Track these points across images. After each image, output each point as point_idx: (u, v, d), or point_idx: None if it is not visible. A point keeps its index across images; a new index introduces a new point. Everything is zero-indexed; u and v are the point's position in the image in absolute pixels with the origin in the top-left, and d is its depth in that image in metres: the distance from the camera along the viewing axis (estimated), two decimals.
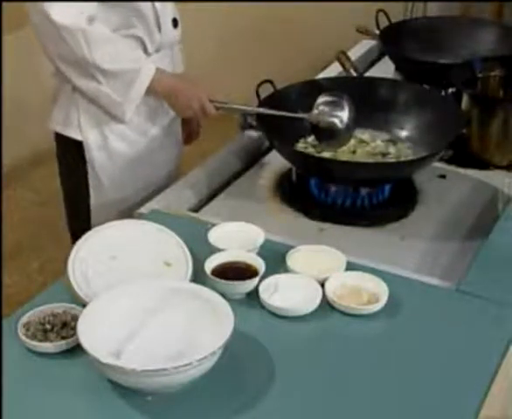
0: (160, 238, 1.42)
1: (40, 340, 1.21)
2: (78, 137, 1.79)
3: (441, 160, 1.83)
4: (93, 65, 1.67)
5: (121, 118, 1.75)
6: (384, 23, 2.37)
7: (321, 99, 1.74)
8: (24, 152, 3.70)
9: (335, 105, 1.73)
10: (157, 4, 1.75)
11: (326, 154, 1.76)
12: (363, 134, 1.84)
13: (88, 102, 1.76)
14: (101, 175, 1.82)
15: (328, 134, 1.75)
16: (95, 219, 1.86)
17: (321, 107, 1.73)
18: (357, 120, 1.76)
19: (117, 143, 1.80)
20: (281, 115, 1.73)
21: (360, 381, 1.18)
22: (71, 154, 1.84)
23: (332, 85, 1.91)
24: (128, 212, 1.67)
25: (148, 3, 1.73)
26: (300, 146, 1.81)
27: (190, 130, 2.01)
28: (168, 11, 1.79)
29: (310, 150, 1.79)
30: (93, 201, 1.85)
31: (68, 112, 1.80)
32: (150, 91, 1.73)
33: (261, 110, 1.75)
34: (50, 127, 1.86)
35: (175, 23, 1.82)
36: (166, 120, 1.86)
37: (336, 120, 1.73)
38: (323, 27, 4.10)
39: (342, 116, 1.73)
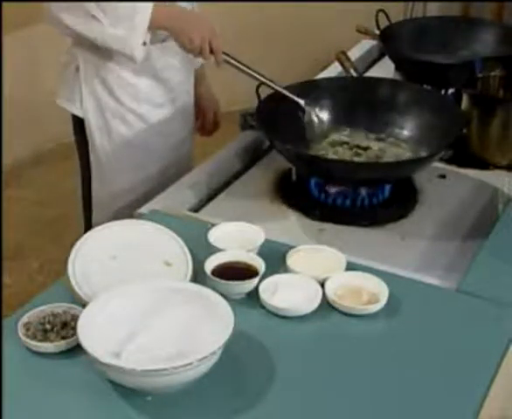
0: (160, 238, 1.42)
1: (40, 340, 1.21)
2: (80, 114, 1.84)
3: (441, 160, 1.83)
4: (93, 3, 1.66)
5: (132, 56, 1.72)
6: (383, 23, 2.37)
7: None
8: (24, 152, 3.71)
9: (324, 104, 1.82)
10: None
11: (326, 154, 1.76)
12: (362, 135, 1.84)
13: (90, 81, 1.80)
14: (102, 156, 1.84)
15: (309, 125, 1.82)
16: (96, 212, 1.88)
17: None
18: (356, 120, 1.78)
19: (117, 125, 1.82)
20: (282, 93, 1.79)
21: (360, 381, 1.18)
22: (80, 136, 1.88)
23: (332, 85, 1.91)
24: (129, 212, 1.67)
25: None
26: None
27: (205, 119, 2.03)
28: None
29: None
30: (94, 185, 1.87)
31: (72, 88, 1.84)
32: (154, 24, 1.70)
33: (267, 81, 1.78)
34: (56, 102, 1.89)
35: None
36: (169, 108, 1.88)
37: (318, 119, 1.81)
38: (323, 27, 4.10)
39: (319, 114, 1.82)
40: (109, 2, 1.67)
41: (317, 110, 1.82)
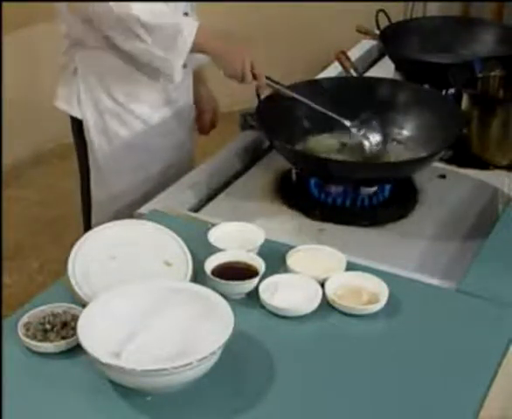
0: (160, 238, 1.42)
1: (40, 340, 1.20)
2: (78, 115, 1.84)
3: (441, 160, 1.83)
4: (136, 20, 1.66)
5: (171, 76, 1.75)
6: (384, 23, 2.37)
7: (364, 115, 1.80)
8: (24, 152, 3.71)
9: (370, 126, 1.80)
10: None
11: (325, 155, 1.77)
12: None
13: (88, 83, 1.80)
14: (100, 157, 1.84)
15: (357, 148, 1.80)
16: (95, 212, 1.88)
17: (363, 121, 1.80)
18: (356, 121, 1.79)
19: (116, 126, 1.82)
20: (329, 115, 1.78)
21: (360, 381, 1.18)
22: (79, 138, 1.88)
23: (332, 85, 1.91)
24: (129, 212, 1.67)
25: None
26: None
27: (204, 119, 2.04)
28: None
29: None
30: (93, 186, 1.87)
31: (70, 90, 1.84)
32: (196, 47, 1.72)
33: (311, 104, 1.78)
34: (54, 103, 1.88)
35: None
36: (168, 109, 1.88)
37: (367, 143, 1.80)
38: (323, 27, 4.10)
39: (373, 140, 1.80)
40: (155, 22, 1.68)
41: (364, 131, 1.80)
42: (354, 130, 1.80)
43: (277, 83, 1.79)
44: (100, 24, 1.72)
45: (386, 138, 1.83)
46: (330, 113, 1.78)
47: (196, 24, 1.72)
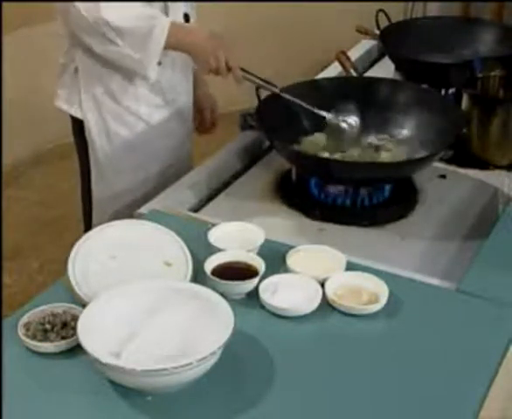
0: (160, 238, 1.42)
1: (40, 340, 1.21)
2: (79, 115, 1.84)
3: (441, 160, 1.83)
4: (107, 25, 1.66)
5: (146, 77, 1.75)
6: (384, 23, 2.37)
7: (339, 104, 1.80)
8: (24, 152, 3.71)
9: (349, 111, 1.79)
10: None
11: (326, 154, 1.76)
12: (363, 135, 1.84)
13: (88, 83, 1.80)
14: (101, 157, 1.84)
15: (338, 135, 1.79)
16: (96, 212, 1.88)
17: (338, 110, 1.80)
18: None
19: (116, 126, 1.82)
20: (301, 105, 1.77)
21: (360, 381, 1.18)
22: (79, 138, 1.88)
23: (332, 85, 1.91)
24: (129, 212, 1.67)
25: None
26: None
27: (202, 118, 2.03)
28: (179, 5, 1.80)
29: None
30: (94, 186, 1.87)
31: (71, 90, 1.84)
32: (168, 45, 1.72)
33: (282, 94, 1.77)
34: (55, 104, 1.88)
35: (186, 17, 1.84)
36: (168, 109, 1.88)
37: (347, 125, 1.78)
38: (323, 27, 4.10)
39: (353, 122, 1.79)
40: (126, 25, 1.68)
41: (342, 117, 1.80)
42: (330, 116, 1.79)
43: (252, 75, 1.77)
44: (74, 29, 1.72)
45: (364, 121, 1.82)
46: (306, 106, 1.78)
47: (168, 22, 1.71)
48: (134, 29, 1.69)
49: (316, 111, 1.79)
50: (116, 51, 1.71)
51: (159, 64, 1.75)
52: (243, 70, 1.76)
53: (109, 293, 1.21)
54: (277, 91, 1.78)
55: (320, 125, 1.82)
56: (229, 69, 1.73)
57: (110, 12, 1.66)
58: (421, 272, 1.44)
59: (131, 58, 1.71)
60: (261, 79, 1.78)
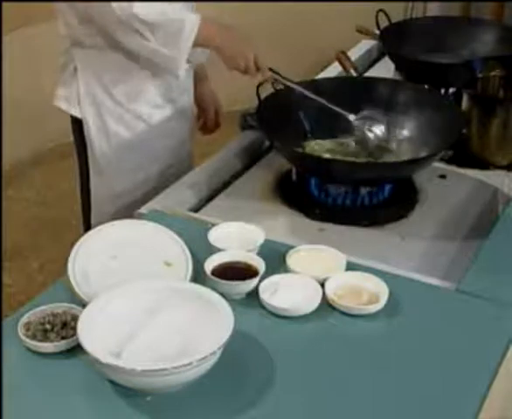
0: (160, 238, 1.42)
1: (40, 340, 1.20)
2: (78, 115, 1.84)
3: (441, 160, 1.83)
4: (139, 19, 1.66)
5: (176, 73, 1.75)
6: (384, 23, 2.37)
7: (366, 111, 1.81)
8: (24, 152, 3.71)
9: (374, 120, 1.81)
10: None
11: (326, 155, 1.77)
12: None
13: (88, 82, 1.80)
14: (100, 158, 1.84)
15: (362, 143, 1.81)
16: (95, 212, 1.88)
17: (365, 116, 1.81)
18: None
19: (116, 126, 1.82)
20: (331, 108, 1.77)
21: (360, 381, 1.18)
22: (79, 137, 1.88)
23: (332, 85, 1.91)
24: (129, 212, 1.67)
25: None
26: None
27: (207, 118, 2.03)
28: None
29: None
30: (93, 186, 1.87)
31: (70, 90, 1.84)
32: (198, 42, 1.72)
33: (314, 96, 1.77)
34: (55, 103, 1.88)
35: None
36: (168, 109, 1.88)
37: (372, 135, 1.80)
38: (323, 27, 4.10)
39: (378, 133, 1.80)
40: (158, 20, 1.68)
41: (368, 125, 1.81)
42: (357, 123, 1.80)
43: (281, 76, 1.78)
44: (104, 25, 1.72)
45: (390, 130, 1.82)
46: (332, 106, 1.78)
47: (198, 19, 1.72)
48: (166, 23, 1.69)
49: (344, 113, 1.79)
50: (147, 47, 1.71)
51: (189, 62, 1.75)
52: (271, 70, 1.77)
53: (109, 293, 1.21)
54: (307, 93, 1.78)
55: (320, 125, 1.82)
56: (258, 69, 1.74)
57: (142, 8, 1.66)
58: (421, 272, 1.44)
59: (162, 54, 1.71)
60: (290, 81, 1.79)
